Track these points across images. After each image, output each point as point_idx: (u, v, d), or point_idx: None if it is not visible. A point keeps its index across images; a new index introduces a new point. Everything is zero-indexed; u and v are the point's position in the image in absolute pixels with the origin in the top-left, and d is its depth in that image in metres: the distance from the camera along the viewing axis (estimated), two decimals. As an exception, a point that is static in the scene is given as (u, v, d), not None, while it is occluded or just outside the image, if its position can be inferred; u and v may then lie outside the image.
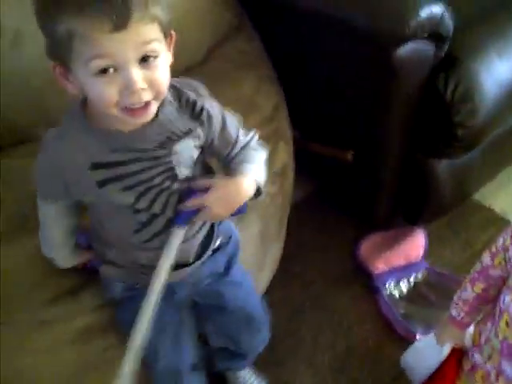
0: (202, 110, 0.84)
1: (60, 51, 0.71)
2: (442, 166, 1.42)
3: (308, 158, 1.54)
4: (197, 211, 0.85)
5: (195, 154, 0.86)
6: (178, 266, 0.89)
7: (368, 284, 1.52)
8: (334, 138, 1.51)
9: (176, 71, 1.28)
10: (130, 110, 0.74)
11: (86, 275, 0.99)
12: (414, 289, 1.51)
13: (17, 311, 0.94)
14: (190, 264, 0.93)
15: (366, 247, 1.58)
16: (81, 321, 0.96)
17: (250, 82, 1.30)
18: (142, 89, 0.72)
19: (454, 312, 1.03)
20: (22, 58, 1.06)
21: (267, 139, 1.24)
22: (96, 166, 0.79)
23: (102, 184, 0.80)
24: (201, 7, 1.32)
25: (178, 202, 0.84)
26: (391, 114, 1.33)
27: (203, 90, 0.87)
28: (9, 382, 0.92)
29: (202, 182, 0.85)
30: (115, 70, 0.70)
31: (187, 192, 0.85)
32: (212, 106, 0.86)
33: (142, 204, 0.82)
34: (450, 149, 1.36)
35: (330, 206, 1.70)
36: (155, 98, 0.75)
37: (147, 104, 0.74)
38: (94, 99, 0.74)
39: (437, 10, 1.21)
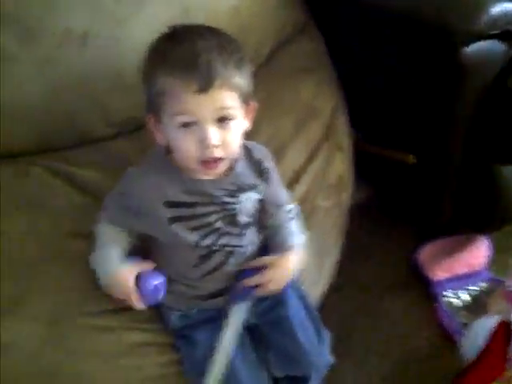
0: (266, 169, 0.97)
1: (154, 105, 0.85)
2: (511, 171, 1.35)
3: (367, 161, 1.50)
4: (254, 288, 0.95)
5: (255, 205, 0.97)
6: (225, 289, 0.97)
7: (426, 291, 1.47)
8: (395, 140, 1.47)
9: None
10: (204, 163, 0.85)
11: None
12: (476, 298, 1.45)
13: (80, 315, 0.96)
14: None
15: (425, 253, 1.53)
16: (141, 333, 0.98)
17: (310, 86, 1.28)
18: (215, 145, 0.83)
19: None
20: (87, 59, 1.08)
21: (322, 150, 1.24)
22: (169, 205, 0.89)
23: (172, 221, 0.89)
24: (266, 9, 1.30)
25: (235, 280, 0.95)
26: (458, 115, 1.28)
27: (268, 154, 0.99)
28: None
29: (258, 262, 0.96)
30: (196, 125, 0.82)
31: (243, 271, 0.96)
32: (273, 169, 0.99)
33: (206, 242, 0.91)
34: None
35: (389, 210, 1.65)
36: (226, 155, 0.86)
37: (218, 160, 0.86)
38: (176, 149, 0.87)
39: (509, 6, 1.15)
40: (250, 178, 0.95)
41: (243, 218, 0.94)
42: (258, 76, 1.26)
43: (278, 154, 1.17)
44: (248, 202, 0.94)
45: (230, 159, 0.90)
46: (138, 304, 0.92)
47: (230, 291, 0.98)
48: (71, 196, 1.05)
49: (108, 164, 1.10)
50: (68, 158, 1.11)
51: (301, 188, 1.13)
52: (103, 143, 1.14)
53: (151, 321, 0.99)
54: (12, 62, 1.01)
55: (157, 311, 1.00)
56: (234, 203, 0.93)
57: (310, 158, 1.21)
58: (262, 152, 0.98)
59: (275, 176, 1.00)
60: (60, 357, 0.94)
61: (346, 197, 1.30)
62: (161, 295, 0.93)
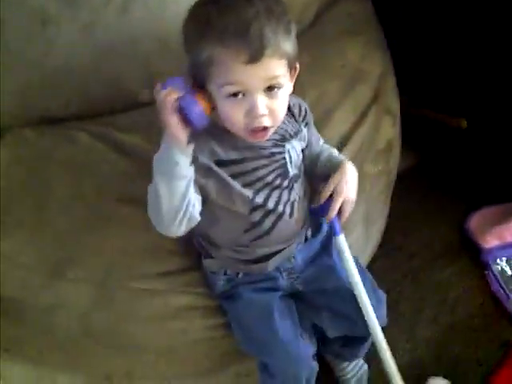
0: (306, 112, 0.96)
1: (199, 73, 0.81)
2: None
3: (415, 127, 1.45)
4: (339, 213, 0.95)
5: (301, 155, 0.96)
6: (272, 254, 0.96)
7: (476, 259, 1.43)
8: (446, 104, 1.42)
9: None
10: (252, 132, 0.84)
11: (195, 258, 1.00)
12: (528, 267, 1.41)
13: (127, 278, 0.97)
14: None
15: (476, 220, 1.48)
16: (187, 296, 0.99)
17: (357, 48, 1.24)
18: (263, 114, 0.81)
19: None
20: (130, 23, 1.07)
21: (370, 114, 1.20)
22: (219, 163, 0.87)
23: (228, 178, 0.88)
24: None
25: (292, 203, 0.93)
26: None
27: (300, 99, 0.97)
28: (114, 344, 0.98)
29: (327, 190, 0.94)
30: (243, 95, 0.80)
31: (322, 207, 0.95)
32: (309, 111, 0.97)
33: (259, 199, 0.90)
34: None
35: (438, 176, 1.60)
36: (273, 123, 0.84)
37: (266, 128, 0.84)
38: (223, 117, 0.84)
39: None
40: (291, 124, 0.94)
41: (292, 169, 0.93)
42: (303, 39, 1.23)
43: (325, 119, 1.15)
44: (293, 151, 0.93)
45: (276, 127, 0.87)
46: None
47: (307, 265, 0.99)
48: (117, 162, 1.06)
49: (152, 129, 1.09)
50: (114, 123, 1.11)
51: (348, 153, 1.10)
52: (149, 108, 1.13)
53: (198, 285, 1.00)
54: (55, 26, 1.01)
55: (202, 275, 1.01)
56: (280, 152, 0.91)
57: (358, 123, 1.17)
58: (296, 99, 0.96)
59: (311, 117, 0.98)
60: (108, 318, 0.97)
61: (394, 163, 1.27)
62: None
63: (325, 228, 1.03)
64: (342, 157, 1.00)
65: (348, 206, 0.95)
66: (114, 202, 1.01)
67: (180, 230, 0.85)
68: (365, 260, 1.26)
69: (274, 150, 0.91)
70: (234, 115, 0.82)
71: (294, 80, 0.88)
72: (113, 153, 1.07)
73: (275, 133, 0.90)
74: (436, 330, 1.34)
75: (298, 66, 0.87)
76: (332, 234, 0.96)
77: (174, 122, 0.79)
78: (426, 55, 1.39)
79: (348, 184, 0.94)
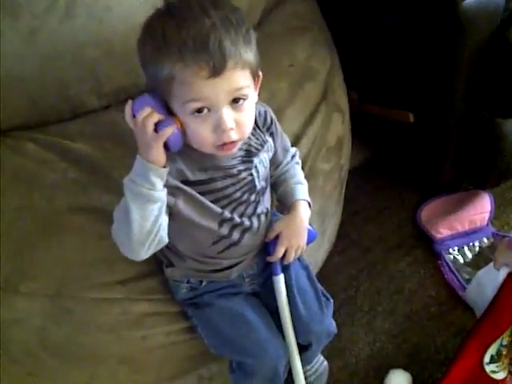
0: (271, 121, 0.95)
1: (159, 89, 0.79)
2: (511, 126, 1.33)
3: (365, 122, 1.48)
4: (283, 257, 0.97)
5: (268, 165, 0.96)
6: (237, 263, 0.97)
7: (429, 250, 1.48)
8: (393, 98, 1.44)
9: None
10: (220, 146, 0.82)
11: (154, 264, 0.99)
12: (479, 254, 1.45)
13: (83, 289, 0.95)
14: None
15: (427, 212, 1.52)
16: (148, 303, 0.98)
17: (305, 47, 1.24)
18: (231, 128, 0.79)
19: None
20: (74, 28, 1.04)
21: (320, 112, 1.21)
22: (186, 183, 0.86)
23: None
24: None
25: (258, 216, 0.95)
26: (457, 70, 1.25)
27: (267, 106, 0.96)
28: (73, 356, 0.96)
29: (272, 233, 0.97)
30: (209, 110, 0.78)
31: (267, 247, 0.98)
32: (275, 119, 0.97)
33: (227, 214, 0.90)
34: (521, 107, 1.28)
35: (389, 170, 1.65)
36: (241, 136, 0.83)
37: (234, 142, 0.82)
38: (190, 135, 0.81)
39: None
40: (257, 137, 0.93)
41: (260, 183, 0.93)
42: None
43: (276, 118, 1.15)
44: (261, 165, 0.92)
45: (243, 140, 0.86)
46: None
47: (266, 269, 1.00)
48: (67, 171, 1.03)
49: (102, 137, 1.08)
50: (62, 132, 1.08)
51: (300, 151, 1.11)
52: (96, 115, 1.12)
53: (156, 291, 0.99)
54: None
55: (164, 282, 1.00)
56: (247, 169, 0.90)
57: (309, 121, 1.18)
58: (261, 106, 0.94)
59: (278, 125, 0.97)
60: (65, 330, 0.95)
61: (345, 159, 1.29)
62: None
63: None
64: (297, 195, 0.99)
65: (292, 253, 0.97)
66: (66, 212, 0.99)
67: (147, 253, 0.84)
68: (321, 255, 1.27)
69: (241, 167, 0.90)
70: (202, 132, 0.79)
71: (258, 88, 0.87)
72: (62, 162, 1.04)
73: (240, 149, 0.89)
74: (394, 322, 1.37)
75: (260, 73, 0.86)
76: (271, 271, 0.98)
77: (157, 146, 0.78)
78: (372, 51, 1.41)
79: (293, 231, 0.97)
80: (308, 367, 1.12)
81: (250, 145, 0.91)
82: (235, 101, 0.79)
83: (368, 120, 1.53)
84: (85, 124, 1.10)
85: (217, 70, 0.74)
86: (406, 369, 1.26)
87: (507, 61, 1.22)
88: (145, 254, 0.84)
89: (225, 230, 0.91)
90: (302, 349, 1.03)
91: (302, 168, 1.07)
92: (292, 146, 1.06)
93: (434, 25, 1.21)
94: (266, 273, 1.01)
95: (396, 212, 1.57)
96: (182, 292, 0.99)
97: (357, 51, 1.43)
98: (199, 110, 0.78)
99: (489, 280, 1.14)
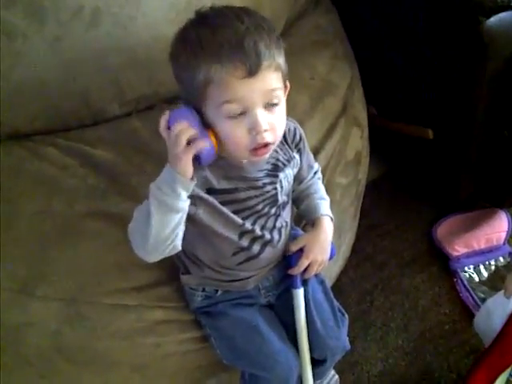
0: (300, 138, 0.97)
1: (194, 96, 0.80)
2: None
3: (383, 137, 1.48)
4: (305, 270, 0.98)
5: (292, 181, 0.97)
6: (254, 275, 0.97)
7: (445, 267, 1.46)
8: (413, 114, 1.44)
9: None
10: (254, 150, 0.82)
11: (169, 272, 0.99)
12: (495, 273, 1.44)
13: (99, 294, 0.96)
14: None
15: (443, 229, 1.51)
16: (162, 311, 0.98)
17: (325, 60, 1.25)
18: (266, 129, 0.80)
19: None
20: (98, 37, 1.06)
21: (339, 126, 1.21)
22: (210, 191, 0.86)
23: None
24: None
25: (279, 229, 0.95)
26: (478, 89, 1.25)
27: (296, 123, 0.98)
28: (86, 361, 0.96)
29: (295, 246, 0.98)
30: (244, 113, 0.79)
31: (288, 259, 0.98)
32: (304, 136, 0.98)
33: (248, 225, 0.90)
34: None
35: (406, 186, 1.64)
36: (274, 140, 0.84)
37: (267, 145, 0.83)
38: (225, 139, 0.82)
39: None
40: (284, 150, 0.94)
41: (282, 197, 0.94)
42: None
43: None
44: (285, 180, 0.93)
45: (276, 143, 0.87)
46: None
47: (286, 282, 1.00)
48: (86, 176, 1.04)
49: (122, 144, 1.09)
50: (82, 138, 1.10)
51: (319, 164, 1.11)
52: (117, 122, 1.12)
53: (171, 299, 0.99)
54: (22, 40, 0.99)
55: (178, 290, 1.00)
56: (272, 183, 0.91)
57: (328, 134, 1.19)
58: (291, 123, 0.96)
59: (306, 142, 0.99)
60: (80, 335, 0.95)
61: (363, 173, 1.29)
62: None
63: None
64: (321, 210, 1.00)
65: (314, 267, 0.98)
66: (84, 217, 0.99)
67: (158, 257, 0.85)
68: (336, 269, 1.27)
69: (266, 180, 0.91)
70: (237, 134, 0.80)
71: (285, 99, 0.87)
72: (82, 167, 1.05)
73: (267, 162, 0.90)
74: (407, 338, 1.36)
75: (288, 84, 0.88)
76: (292, 284, 0.98)
77: (186, 159, 0.78)
78: (392, 67, 1.41)
79: (318, 246, 0.98)
80: (319, 381, 1.12)
81: (277, 159, 0.92)
82: (269, 104, 0.80)
83: (386, 135, 1.53)
84: (105, 131, 1.11)
85: (252, 70, 0.76)
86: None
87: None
88: (155, 257, 0.85)
89: (245, 242, 0.91)
90: (316, 363, 1.03)
91: None
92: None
93: (457, 43, 1.21)
94: (282, 285, 1.01)
95: (412, 228, 1.56)
96: (196, 300, 0.99)
97: (377, 66, 1.43)
98: (235, 113, 0.79)
99: (498, 308, 1.12)
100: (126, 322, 0.95)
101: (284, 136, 0.91)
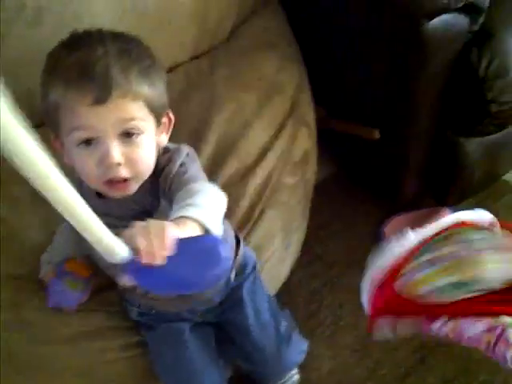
0: (171, 177, 0.79)
1: (51, 119, 0.74)
2: (473, 145, 1.36)
3: (331, 137, 1.49)
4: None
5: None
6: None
7: (392, 265, 1.49)
8: (360, 115, 1.46)
9: (200, 51, 1.25)
10: (109, 183, 0.74)
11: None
12: (441, 269, 1.47)
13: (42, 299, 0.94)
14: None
15: (391, 227, 1.52)
16: (106, 315, 0.97)
17: (273, 61, 1.26)
18: (118, 163, 0.72)
19: None
20: (42, 35, 1.03)
21: (287, 126, 1.22)
22: None
23: None
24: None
25: None
26: (421, 90, 1.27)
27: (180, 151, 0.82)
28: (30, 366, 0.94)
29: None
30: (96, 141, 0.72)
31: None
32: (183, 169, 0.80)
33: None
34: (483, 126, 1.30)
35: (354, 186, 1.66)
36: (134, 175, 0.75)
37: (126, 181, 0.75)
38: (77, 169, 0.76)
39: (473, -21, 1.15)
40: (152, 192, 0.80)
41: None
42: (219, 54, 1.26)
43: (243, 132, 1.16)
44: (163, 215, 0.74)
45: (141, 180, 0.77)
46: None
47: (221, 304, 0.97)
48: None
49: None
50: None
51: (267, 165, 1.13)
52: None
53: (117, 303, 0.98)
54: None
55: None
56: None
57: (276, 135, 1.20)
58: (175, 153, 0.82)
59: (188, 173, 0.80)
60: (23, 341, 0.93)
61: (311, 173, 1.30)
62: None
63: (249, 269, 1.01)
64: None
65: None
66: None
67: None
68: (284, 270, 1.27)
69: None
70: (86, 164, 0.73)
71: (169, 132, 0.81)
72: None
73: (134, 201, 0.79)
74: (356, 336, 1.37)
75: (172, 116, 0.82)
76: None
77: None
78: (339, 67, 1.43)
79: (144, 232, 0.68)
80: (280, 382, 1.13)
81: (144, 205, 0.81)
82: (127, 134, 0.73)
83: (335, 135, 1.55)
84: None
85: (100, 97, 0.70)
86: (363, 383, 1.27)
87: (469, 82, 1.25)
88: None
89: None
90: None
91: (268, 182, 1.07)
92: (258, 160, 1.07)
93: (399, 44, 1.23)
94: (225, 304, 0.99)
95: (361, 227, 1.58)
96: (132, 313, 0.96)
97: (325, 67, 1.45)
98: (87, 142, 0.72)
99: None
100: (70, 327, 0.94)
101: (156, 170, 0.79)
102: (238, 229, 1.07)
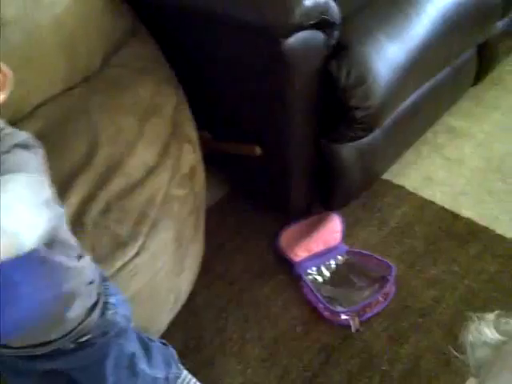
0: None
1: None
2: (347, 150, 1.45)
3: (219, 159, 1.55)
4: None
5: None
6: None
7: (291, 273, 1.54)
8: (240, 134, 1.53)
9: (72, 83, 1.27)
10: None
11: None
12: (336, 272, 1.53)
13: None
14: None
15: (285, 237, 1.60)
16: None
17: (148, 86, 1.30)
18: None
19: None
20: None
21: (171, 144, 1.26)
22: None
23: None
24: (91, 17, 1.31)
25: None
26: (289, 104, 1.35)
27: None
28: None
29: None
30: None
31: None
32: None
33: None
34: (352, 132, 1.40)
35: (247, 203, 1.72)
36: None
37: None
38: None
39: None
40: None
41: None
42: (93, 83, 1.28)
43: (129, 150, 1.18)
44: None
45: None
46: None
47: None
48: None
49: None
50: None
51: (155, 178, 1.15)
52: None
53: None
54: None
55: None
56: None
57: (161, 152, 1.23)
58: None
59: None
60: None
61: (199, 187, 1.34)
62: None
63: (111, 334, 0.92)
64: None
65: None
66: None
67: None
68: (183, 285, 1.29)
69: None
70: None
71: (6, 88, 0.72)
72: None
73: None
74: (263, 346, 1.40)
75: (8, 71, 0.72)
76: None
77: None
78: (215, 90, 1.49)
79: None
80: None
81: None
82: None
83: (223, 157, 1.60)
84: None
85: None
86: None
87: (332, 92, 1.34)
88: None
89: None
90: None
91: (157, 195, 1.12)
92: (146, 175, 1.09)
93: (263, 65, 1.31)
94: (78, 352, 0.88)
95: (258, 242, 1.63)
96: None
97: (202, 92, 1.51)
98: None
99: None
100: None
101: None
102: (131, 240, 1.09)
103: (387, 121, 1.49)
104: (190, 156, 1.32)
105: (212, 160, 1.46)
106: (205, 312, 1.47)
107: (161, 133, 1.26)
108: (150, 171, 1.19)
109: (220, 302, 1.50)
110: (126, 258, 1.10)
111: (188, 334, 1.42)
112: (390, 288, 1.46)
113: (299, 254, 1.55)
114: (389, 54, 1.39)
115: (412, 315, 1.43)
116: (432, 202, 1.69)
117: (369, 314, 1.43)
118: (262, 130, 1.46)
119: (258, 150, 1.47)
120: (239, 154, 1.55)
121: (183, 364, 1.26)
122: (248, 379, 1.35)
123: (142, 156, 1.20)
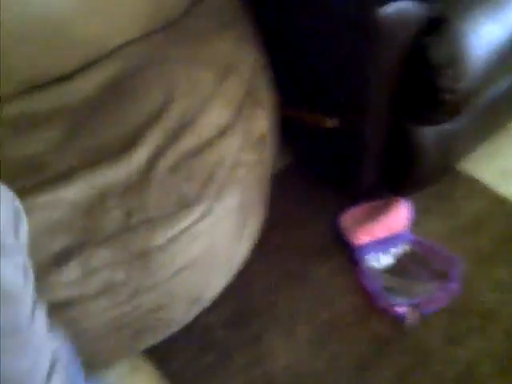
0: None
1: None
2: (428, 133, 1.36)
3: (288, 126, 1.48)
4: None
5: None
6: None
7: (349, 256, 1.47)
8: (316, 104, 1.45)
9: (154, 26, 1.22)
10: None
11: None
12: (397, 261, 1.46)
13: None
14: None
15: (347, 218, 1.53)
16: None
17: (229, 41, 1.24)
18: None
19: None
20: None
21: (245, 106, 1.20)
22: None
23: None
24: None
25: None
26: (374, 78, 1.27)
27: None
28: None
29: None
30: None
31: None
32: None
33: None
34: (436, 114, 1.31)
35: (311, 176, 1.64)
36: None
37: None
38: None
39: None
40: None
41: None
42: (173, 32, 1.22)
43: (201, 109, 1.13)
44: None
45: None
46: None
47: None
48: None
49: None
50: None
51: (226, 141, 1.10)
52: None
53: None
54: None
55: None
56: None
57: (233, 114, 1.17)
58: None
59: None
60: None
61: (268, 154, 1.28)
62: None
63: None
64: None
65: None
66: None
67: None
68: (241, 251, 1.24)
69: None
70: None
71: None
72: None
73: None
74: (314, 328, 1.35)
75: None
76: None
77: None
78: (297, 55, 1.41)
79: None
80: None
81: None
82: None
83: (291, 125, 1.53)
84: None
85: None
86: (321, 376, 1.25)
87: (422, 69, 1.25)
88: None
89: None
90: None
91: (226, 159, 1.08)
92: (217, 136, 1.05)
93: (352, 32, 1.23)
94: None
95: (318, 218, 1.56)
96: None
97: (283, 56, 1.43)
98: None
99: None
100: None
101: None
102: (197, 202, 1.04)
103: (474, 106, 1.38)
104: (262, 122, 1.25)
105: (283, 125, 1.40)
106: (258, 284, 1.43)
107: (236, 93, 1.19)
108: (222, 132, 1.13)
109: (273, 276, 1.45)
110: (190, 221, 1.04)
111: (239, 304, 1.38)
112: (454, 285, 1.38)
113: (361, 237, 1.47)
114: (487, 34, 1.29)
115: (473, 316, 1.36)
116: (507, 199, 1.58)
117: (428, 310, 1.35)
118: (340, 101, 1.38)
119: (330, 122, 1.39)
120: (309, 124, 1.47)
121: (228, 337, 1.21)
122: (293, 361, 1.30)
123: (216, 115, 1.14)
